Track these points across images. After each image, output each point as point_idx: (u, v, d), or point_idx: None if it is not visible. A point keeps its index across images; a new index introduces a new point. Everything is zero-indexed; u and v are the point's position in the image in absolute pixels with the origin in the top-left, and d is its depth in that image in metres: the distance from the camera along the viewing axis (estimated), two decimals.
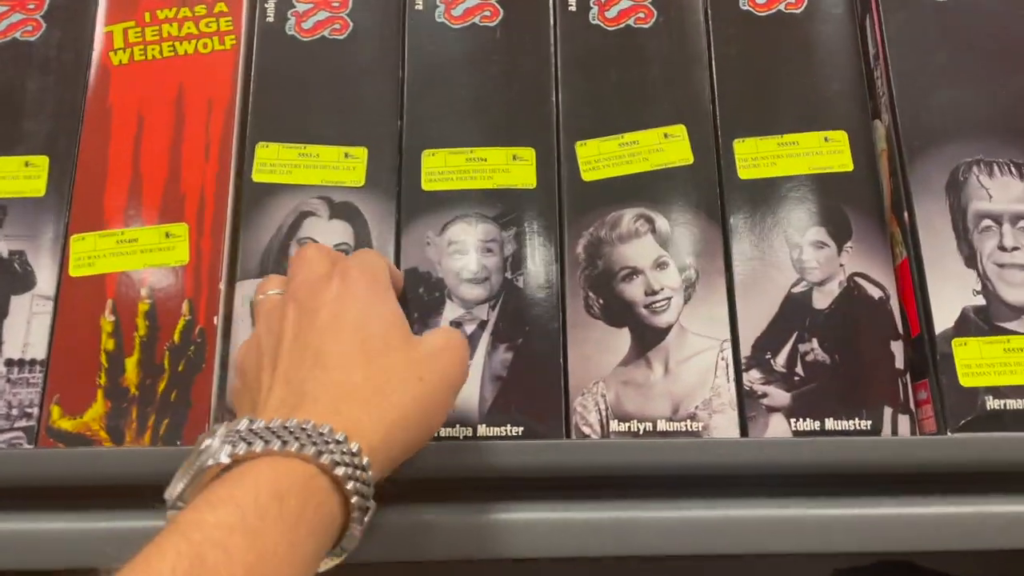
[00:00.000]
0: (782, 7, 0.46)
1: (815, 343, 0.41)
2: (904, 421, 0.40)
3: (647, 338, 0.41)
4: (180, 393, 0.40)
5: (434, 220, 0.43)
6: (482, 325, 0.41)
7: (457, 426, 0.39)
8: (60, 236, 0.43)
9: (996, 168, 0.43)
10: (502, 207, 0.43)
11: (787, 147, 0.44)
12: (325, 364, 0.32)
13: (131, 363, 0.41)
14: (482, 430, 0.39)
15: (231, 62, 0.46)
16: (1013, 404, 0.39)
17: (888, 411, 0.40)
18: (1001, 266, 0.41)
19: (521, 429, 0.39)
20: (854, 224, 0.42)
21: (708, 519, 0.37)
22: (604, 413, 0.40)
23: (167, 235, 0.43)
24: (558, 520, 0.37)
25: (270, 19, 0.47)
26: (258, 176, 0.44)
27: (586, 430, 0.40)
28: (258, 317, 0.37)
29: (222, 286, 0.42)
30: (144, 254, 0.43)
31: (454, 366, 0.35)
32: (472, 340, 0.40)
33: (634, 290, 0.42)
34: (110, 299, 0.42)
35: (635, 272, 0.42)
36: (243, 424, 0.29)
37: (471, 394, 0.40)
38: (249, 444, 0.28)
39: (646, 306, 0.42)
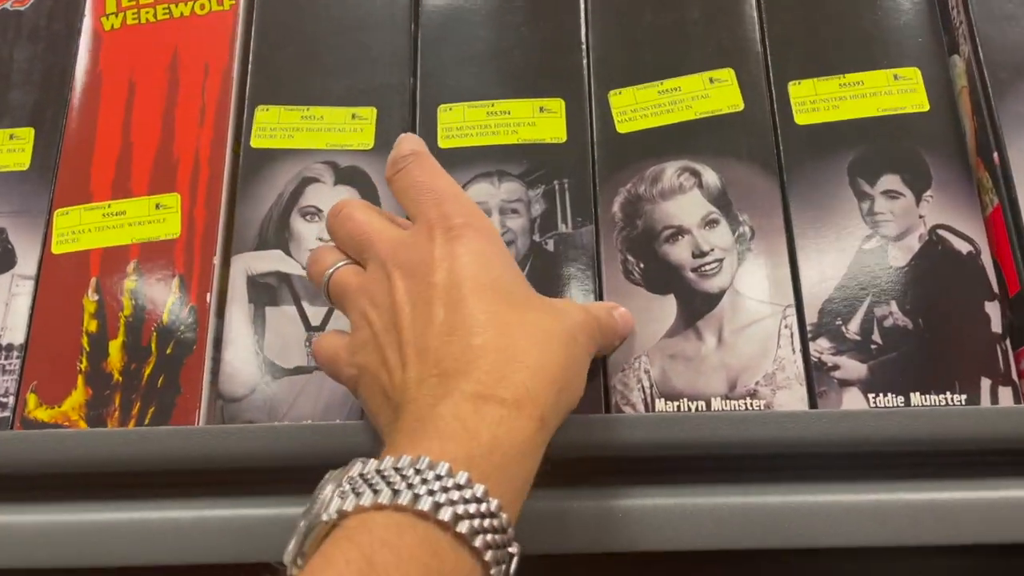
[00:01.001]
0: None
1: (894, 306, 0.35)
2: (1006, 394, 0.33)
3: (696, 305, 0.36)
4: (168, 378, 0.36)
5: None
6: None
7: None
8: (44, 211, 0.40)
9: None
10: (528, 164, 0.38)
11: (851, 87, 0.38)
12: (471, 328, 0.27)
13: (115, 346, 0.36)
14: None
15: (230, 23, 0.43)
16: None
17: (986, 383, 0.34)
18: None
19: None
20: (934, 170, 0.37)
21: (782, 504, 0.32)
22: (648, 391, 0.35)
23: (157, 206, 0.39)
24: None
25: None
26: (257, 142, 0.40)
27: (627, 410, 0.35)
28: (346, 297, 0.31)
29: (216, 261, 0.38)
30: (132, 227, 0.39)
31: (596, 334, 0.32)
32: None
33: (680, 252, 0.37)
34: (94, 277, 0.38)
35: (680, 231, 0.37)
36: (355, 468, 0.25)
37: None
38: (358, 496, 0.24)
39: (694, 269, 0.36)
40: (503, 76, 0.40)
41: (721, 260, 0.36)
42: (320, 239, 0.38)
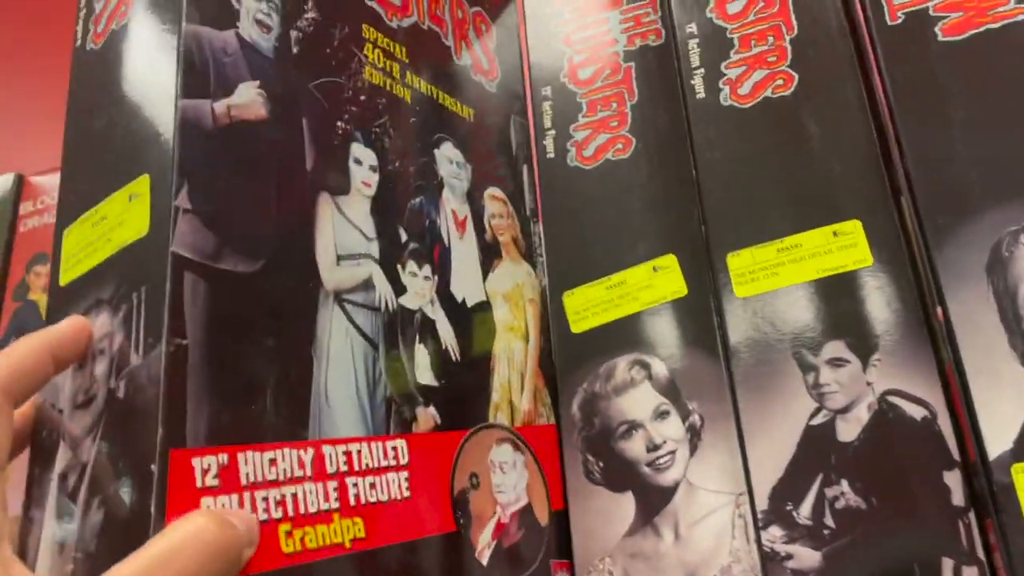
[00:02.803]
0: (768, 92, 0.41)
1: (845, 485, 0.34)
2: (971, 574, 0.31)
3: (652, 501, 0.37)
4: None
5: None
6: (82, 472, 0.30)
7: None
8: None
9: None
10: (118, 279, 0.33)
11: (788, 251, 0.38)
12: None
13: None
14: None
15: None
16: None
17: (948, 563, 0.32)
18: None
19: None
20: (880, 330, 0.36)
21: None
22: None
23: None
24: None
25: None
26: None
27: None
28: None
29: None
30: None
31: None
32: (74, 494, 0.29)
33: (635, 446, 0.38)
34: None
35: (634, 426, 0.38)
36: None
37: None
38: None
39: (649, 463, 0.38)
40: None
41: (674, 452, 0.37)
42: None
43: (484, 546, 0.36)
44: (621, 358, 0.40)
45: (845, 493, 0.34)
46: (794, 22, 0.41)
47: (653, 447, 0.38)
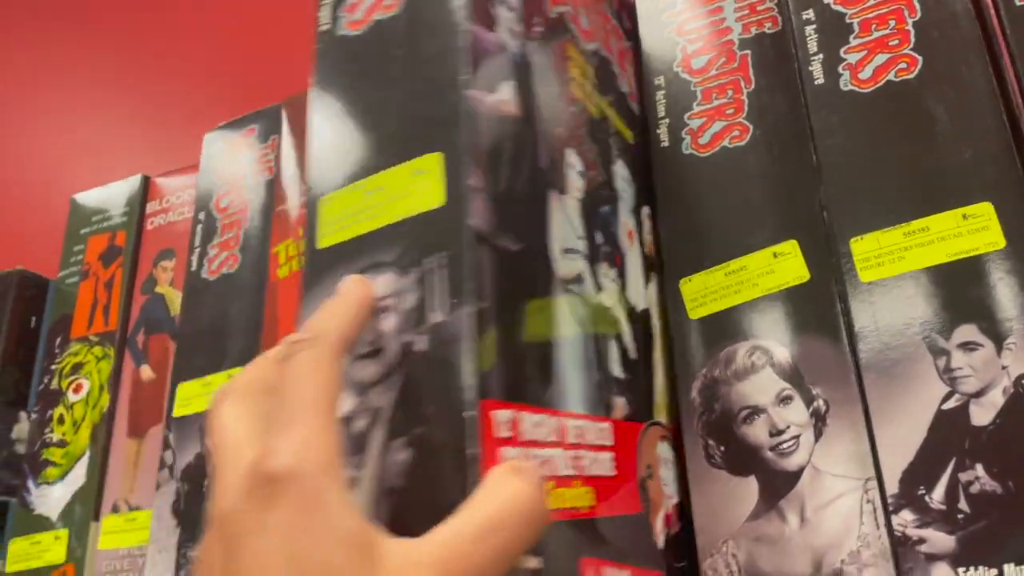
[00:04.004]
0: (891, 76, 0.41)
1: (980, 469, 0.33)
2: None
3: (777, 485, 0.37)
4: None
5: (332, 286, 0.35)
6: (375, 416, 0.33)
7: None
8: None
9: None
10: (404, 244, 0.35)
11: (915, 235, 0.38)
12: None
13: None
14: None
15: None
16: None
17: None
18: None
19: None
20: (1015, 314, 0.35)
21: None
22: (736, 575, 0.36)
23: None
24: None
25: None
26: None
27: None
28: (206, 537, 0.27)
29: None
30: None
31: None
32: (363, 438, 0.31)
33: (757, 431, 0.38)
34: None
35: (756, 411, 0.38)
36: None
37: None
38: None
39: (772, 448, 0.38)
40: None
41: (798, 436, 0.37)
42: None
43: (659, 531, 0.38)
44: (741, 344, 0.40)
45: (980, 477, 0.33)
46: (916, 5, 0.41)
47: (776, 432, 0.38)
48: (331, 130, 0.36)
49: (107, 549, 0.58)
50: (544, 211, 0.36)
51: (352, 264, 0.33)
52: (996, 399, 0.34)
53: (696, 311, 0.42)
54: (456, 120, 0.32)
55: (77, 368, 0.66)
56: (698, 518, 0.38)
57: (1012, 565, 0.32)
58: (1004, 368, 0.34)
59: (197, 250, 0.61)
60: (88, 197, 0.73)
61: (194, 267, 0.60)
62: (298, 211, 0.55)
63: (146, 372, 0.63)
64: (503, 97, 0.35)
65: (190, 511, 0.51)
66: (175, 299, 0.64)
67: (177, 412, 0.55)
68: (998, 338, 0.35)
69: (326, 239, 0.34)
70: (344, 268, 0.33)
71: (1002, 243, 0.36)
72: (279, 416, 0.27)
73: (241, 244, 0.58)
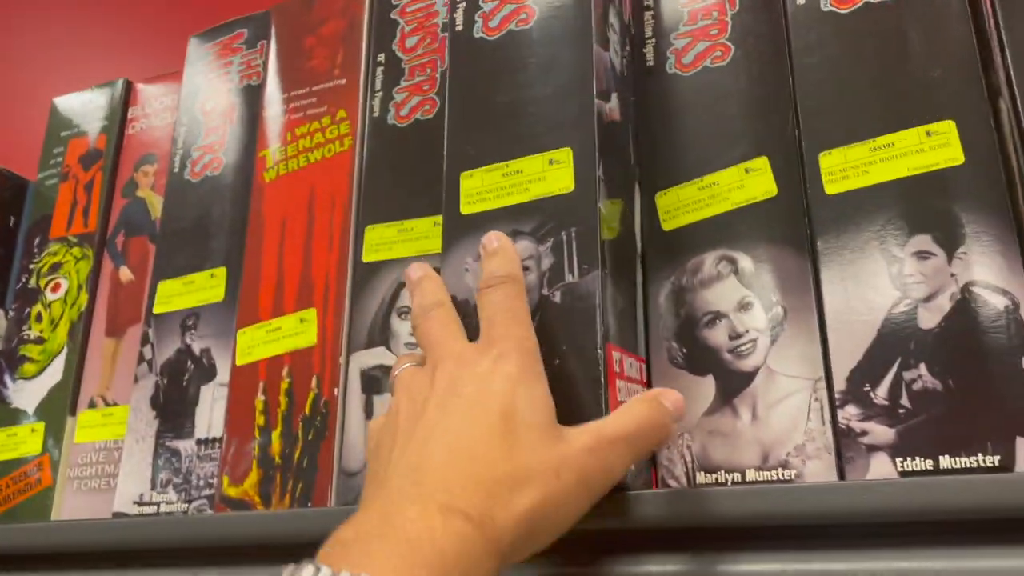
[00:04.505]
0: None
1: (923, 368, 0.35)
2: None
3: (733, 384, 0.39)
4: (310, 460, 0.46)
5: (472, 244, 0.42)
6: None
7: None
8: (232, 332, 0.52)
9: None
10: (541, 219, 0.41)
11: (881, 151, 0.39)
12: (459, 447, 0.32)
13: (275, 435, 0.48)
14: None
15: (348, 160, 0.53)
16: None
17: (1021, 442, 0.33)
18: None
19: None
20: (968, 226, 0.36)
21: (804, 573, 0.34)
22: (690, 465, 0.38)
23: (301, 320, 0.50)
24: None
25: (375, 114, 0.53)
26: (367, 256, 0.49)
27: (672, 483, 0.39)
28: (398, 387, 0.37)
29: (342, 360, 0.48)
30: (285, 339, 0.50)
31: (596, 471, 0.34)
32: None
33: (717, 335, 0.40)
34: (261, 381, 0.50)
35: (718, 316, 0.40)
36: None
37: None
38: None
39: (730, 350, 0.39)
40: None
41: (755, 340, 0.39)
42: (411, 334, 0.46)
43: None
44: (709, 254, 0.41)
45: (923, 376, 0.35)
46: None
47: (736, 335, 0.39)
48: (465, 118, 0.45)
49: (83, 443, 0.59)
50: (632, 201, 0.44)
51: (492, 229, 0.41)
52: (943, 304, 0.36)
53: (669, 223, 0.43)
54: (585, 122, 0.41)
55: (55, 268, 0.66)
56: None
57: (947, 456, 0.34)
58: (953, 276, 0.36)
59: (180, 152, 0.61)
60: (69, 100, 0.73)
61: (176, 168, 0.60)
62: (284, 117, 0.56)
63: (125, 273, 0.63)
64: (612, 105, 0.44)
65: (169, 404, 0.53)
66: (156, 203, 0.64)
67: (157, 309, 0.56)
68: (950, 248, 0.37)
69: (467, 207, 0.43)
70: (485, 232, 0.41)
71: (961, 159, 0.38)
72: (490, 332, 0.36)
73: (225, 147, 0.59)
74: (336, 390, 0.47)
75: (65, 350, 0.62)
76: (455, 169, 0.44)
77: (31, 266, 0.67)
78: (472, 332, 0.39)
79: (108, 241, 0.65)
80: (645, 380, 0.41)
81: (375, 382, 0.46)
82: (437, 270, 0.42)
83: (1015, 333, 0.34)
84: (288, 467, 0.46)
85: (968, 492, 0.32)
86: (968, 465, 0.34)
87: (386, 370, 0.46)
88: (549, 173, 0.41)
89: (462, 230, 0.42)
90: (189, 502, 0.49)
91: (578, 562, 0.37)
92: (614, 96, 0.44)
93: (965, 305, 0.36)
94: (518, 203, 0.41)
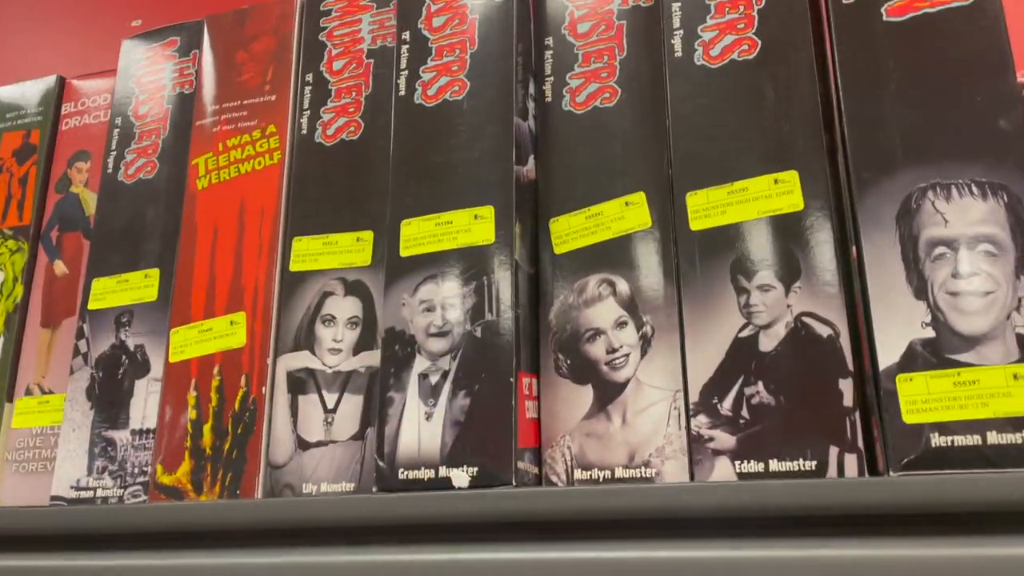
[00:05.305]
0: (735, 55, 0.48)
1: (760, 386, 0.42)
2: (851, 460, 0.40)
3: (607, 393, 0.45)
4: (239, 452, 0.51)
5: (407, 283, 0.49)
6: (444, 375, 0.47)
7: (422, 468, 0.46)
8: (165, 331, 0.57)
9: (955, 190, 0.41)
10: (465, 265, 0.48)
11: (736, 194, 0.45)
12: None
13: (207, 428, 0.53)
14: (442, 471, 0.45)
15: (277, 174, 0.57)
16: (961, 441, 0.38)
17: (834, 450, 0.40)
18: (954, 295, 0.39)
19: (475, 470, 0.45)
20: (803, 264, 0.43)
21: (653, 560, 0.41)
22: (569, 463, 0.45)
23: (231, 323, 0.55)
24: (535, 560, 0.43)
25: (303, 131, 0.57)
26: (294, 266, 0.54)
27: (554, 479, 0.45)
28: None
29: (269, 361, 0.53)
30: (216, 340, 0.54)
31: None
32: (436, 388, 0.47)
33: (596, 349, 0.46)
34: (193, 379, 0.54)
35: (598, 332, 0.46)
36: None
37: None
38: None
39: (607, 363, 0.45)
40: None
41: (628, 355, 0.45)
42: (335, 340, 0.51)
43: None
44: (592, 276, 0.47)
45: (760, 392, 0.42)
46: None
47: (612, 350, 0.46)
48: (407, 172, 0.52)
49: (20, 428, 0.63)
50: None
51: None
52: (779, 331, 0.43)
53: (560, 247, 0.49)
54: (505, 184, 0.49)
55: None
56: (544, 417, 0.46)
57: (775, 460, 0.41)
58: (789, 307, 0.43)
59: (113, 153, 0.64)
60: (1, 92, 0.75)
61: (110, 169, 0.63)
62: (216, 128, 0.59)
63: (60, 267, 0.67)
64: (528, 167, 0.51)
65: (104, 396, 0.57)
66: (90, 199, 0.67)
67: (92, 305, 0.60)
68: (788, 282, 0.43)
69: (407, 251, 0.50)
70: (419, 272, 0.50)
71: (801, 205, 0.44)
72: None
73: (159, 152, 0.62)
74: (264, 388, 0.52)
75: (1, 339, 0.66)
76: (397, 216, 0.51)
77: None
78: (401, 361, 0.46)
79: (43, 235, 0.68)
80: (536, 394, 0.48)
81: (300, 383, 0.52)
82: (362, 284, 0.48)
83: (834, 358, 0.41)
84: (219, 458, 0.51)
85: (789, 493, 0.39)
86: (792, 469, 0.40)
87: (310, 372, 0.51)
88: (474, 226, 0.49)
89: (401, 270, 0.50)
90: (124, 488, 0.54)
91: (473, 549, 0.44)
92: (530, 159, 0.52)
93: (797, 333, 0.42)
94: (448, 249, 0.49)
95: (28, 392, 0.64)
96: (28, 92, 0.74)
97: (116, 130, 0.65)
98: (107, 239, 0.62)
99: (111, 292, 0.60)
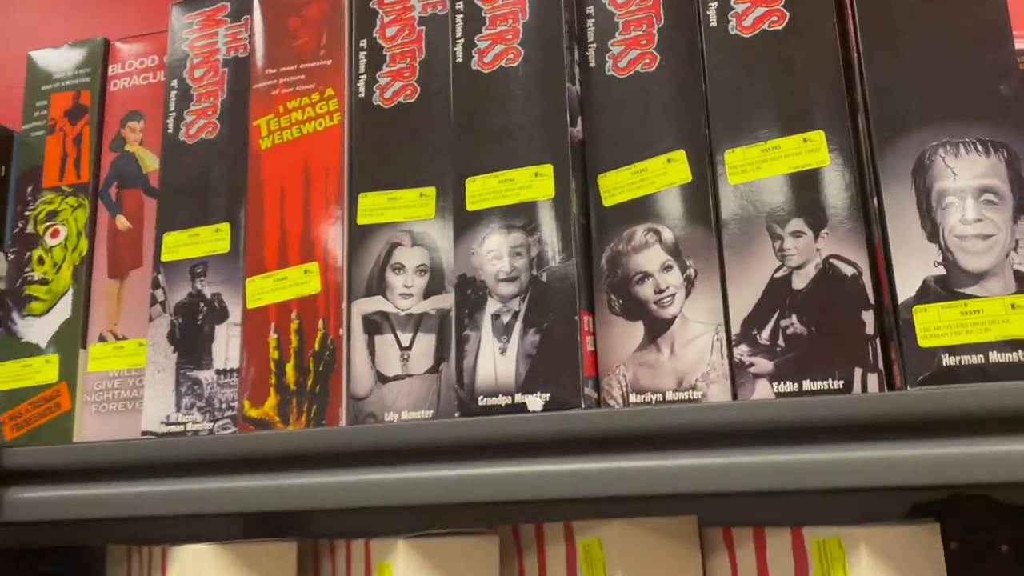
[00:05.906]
0: (766, 26, 0.53)
1: (794, 318, 0.49)
2: (873, 379, 0.47)
3: (656, 328, 0.51)
4: (322, 387, 0.57)
5: (476, 234, 0.55)
6: (515, 315, 0.54)
7: (500, 395, 0.52)
8: (241, 280, 0.62)
9: (963, 148, 0.47)
10: (528, 217, 0.55)
11: (770, 151, 0.51)
12: None
13: (289, 367, 0.58)
14: (518, 397, 0.52)
15: (338, 134, 0.62)
16: (968, 360, 0.45)
17: (858, 371, 0.47)
18: (961, 238, 0.46)
19: (548, 396, 0.51)
20: (830, 213, 0.49)
21: (706, 466, 0.48)
22: (625, 388, 0.51)
23: (305, 272, 0.60)
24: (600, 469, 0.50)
25: (361, 95, 0.62)
26: (361, 219, 0.60)
27: (611, 403, 0.51)
28: None
29: (343, 306, 0.58)
30: (291, 287, 0.60)
31: None
32: (508, 326, 0.54)
33: (645, 290, 0.52)
34: (272, 323, 0.60)
35: (646, 275, 0.52)
36: None
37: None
38: None
39: (655, 302, 0.52)
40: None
41: (674, 295, 0.52)
42: (405, 286, 0.57)
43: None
44: (639, 226, 0.53)
45: (794, 323, 0.49)
46: None
47: (659, 290, 0.52)
48: (469, 134, 0.57)
49: (96, 372, 0.68)
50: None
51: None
52: (810, 271, 0.49)
53: (609, 200, 0.55)
54: (561, 145, 0.55)
55: (52, 215, 0.73)
56: (600, 350, 0.53)
57: (808, 380, 0.48)
58: (818, 250, 0.49)
59: (172, 114, 0.68)
60: (46, 55, 0.78)
61: (171, 130, 0.68)
62: (275, 91, 0.64)
63: (122, 222, 0.71)
64: (577, 129, 0.57)
65: (185, 340, 0.62)
66: (145, 157, 0.72)
67: (165, 257, 0.65)
68: (816, 229, 0.50)
69: (473, 205, 0.56)
70: (487, 225, 0.56)
71: (827, 161, 0.50)
72: None
73: (219, 114, 0.66)
74: (341, 330, 0.58)
75: (71, 290, 0.70)
76: (462, 174, 0.57)
77: (26, 213, 0.74)
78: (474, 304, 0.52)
79: (101, 192, 0.72)
80: (592, 330, 0.54)
81: (376, 325, 0.57)
82: (428, 235, 0.54)
83: (857, 294, 0.48)
84: (303, 392, 0.57)
85: (821, 407, 0.46)
86: (822, 388, 0.47)
87: (384, 315, 0.57)
88: (535, 182, 0.55)
89: (469, 223, 0.56)
90: (214, 421, 0.59)
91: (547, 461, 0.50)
92: (579, 120, 0.57)
93: (825, 272, 0.49)
94: (512, 204, 0.55)
95: (101, 339, 0.69)
96: (74, 54, 0.77)
97: (173, 92, 0.69)
98: (174, 196, 0.66)
99: (183, 245, 0.65)
